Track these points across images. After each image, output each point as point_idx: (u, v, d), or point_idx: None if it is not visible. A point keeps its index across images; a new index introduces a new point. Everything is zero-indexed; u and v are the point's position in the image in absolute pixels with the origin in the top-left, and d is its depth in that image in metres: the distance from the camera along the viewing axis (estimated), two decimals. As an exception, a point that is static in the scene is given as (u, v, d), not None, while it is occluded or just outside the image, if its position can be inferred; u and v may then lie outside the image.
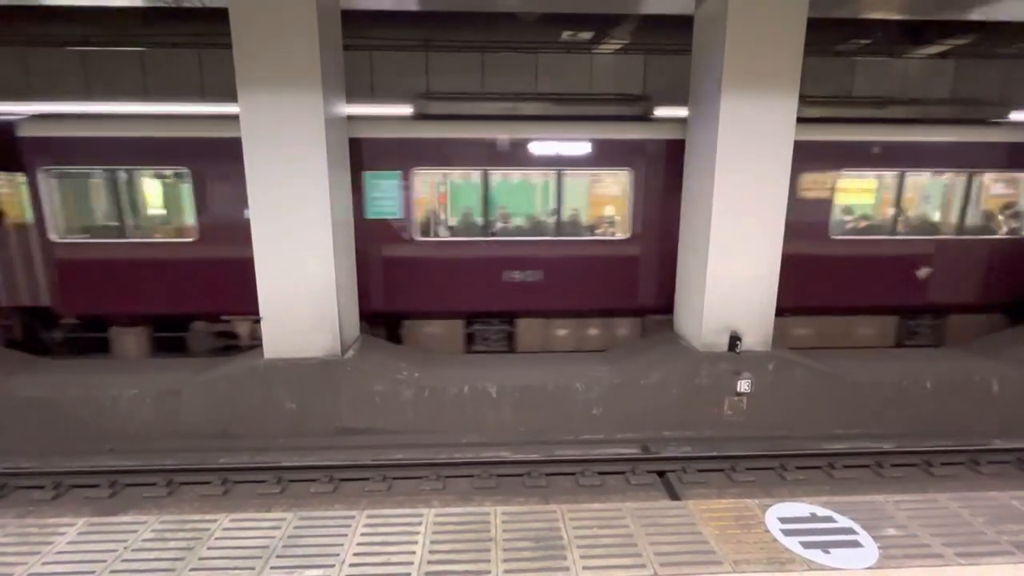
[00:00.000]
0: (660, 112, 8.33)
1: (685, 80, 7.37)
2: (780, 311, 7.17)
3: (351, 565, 2.79)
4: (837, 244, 8.12)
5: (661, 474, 6.21)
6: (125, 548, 2.92)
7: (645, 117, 8.20)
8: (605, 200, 8.19)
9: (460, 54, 9.46)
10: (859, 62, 9.96)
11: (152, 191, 7.81)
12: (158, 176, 7.69)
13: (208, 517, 3.19)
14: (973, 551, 2.90)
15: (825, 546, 2.94)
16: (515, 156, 7.83)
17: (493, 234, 8.04)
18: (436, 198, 8.00)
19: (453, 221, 8.10)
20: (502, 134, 7.75)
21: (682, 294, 7.71)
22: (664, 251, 7.98)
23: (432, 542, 2.96)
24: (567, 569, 2.76)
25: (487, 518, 3.17)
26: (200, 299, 7.80)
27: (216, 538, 3.00)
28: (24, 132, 7.32)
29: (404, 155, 7.67)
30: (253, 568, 2.76)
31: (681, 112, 7.73)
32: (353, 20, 7.67)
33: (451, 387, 6.86)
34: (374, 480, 5.99)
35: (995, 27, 8.75)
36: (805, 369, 7.03)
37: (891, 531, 3.06)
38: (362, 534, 3.03)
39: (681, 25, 7.42)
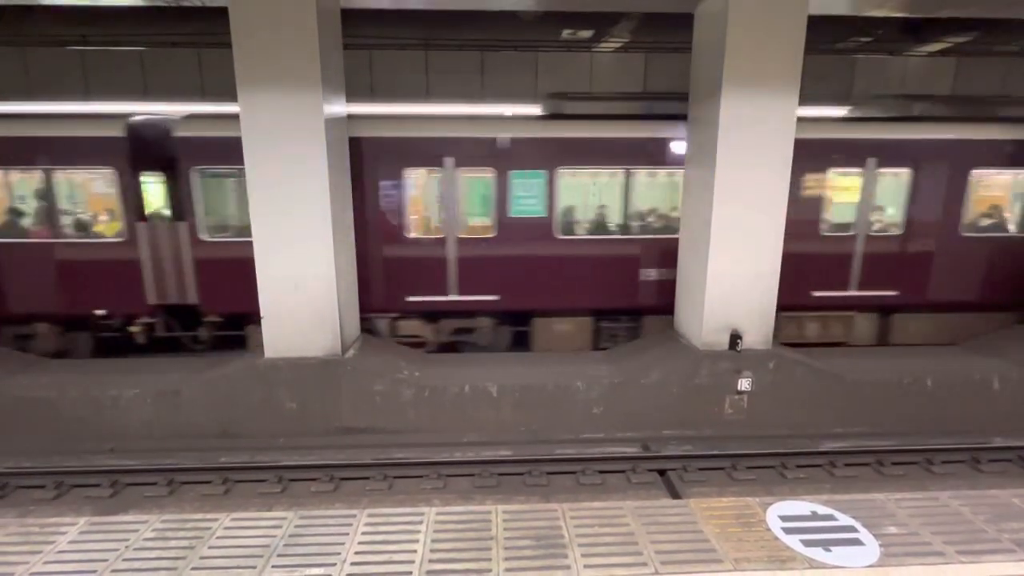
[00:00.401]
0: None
1: (685, 79, 7.37)
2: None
3: (352, 564, 2.79)
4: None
5: (662, 473, 6.21)
6: (126, 547, 2.92)
7: None
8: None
9: (460, 53, 9.46)
10: (859, 60, 9.96)
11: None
12: None
13: (209, 516, 3.19)
14: (974, 549, 2.90)
15: (826, 544, 2.94)
16: (659, 155, 7.93)
17: (632, 232, 8.15)
18: (576, 196, 8.12)
19: (592, 219, 8.19)
20: (647, 133, 7.89)
21: (682, 293, 7.71)
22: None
23: (433, 541, 2.96)
24: (568, 568, 2.76)
25: (488, 517, 3.17)
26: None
27: (217, 537, 3.00)
28: (180, 132, 7.48)
29: (549, 155, 7.80)
30: (254, 567, 2.77)
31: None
32: (353, 19, 7.67)
33: (452, 386, 6.86)
34: (375, 479, 6.00)
35: (995, 24, 8.74)
36: (806, 368, 7.02)
37: (892, 529, 3.06)
38: (363, 533, 3.03)
39: (681, 23, 7.42)
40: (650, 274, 8.19)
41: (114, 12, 8.39)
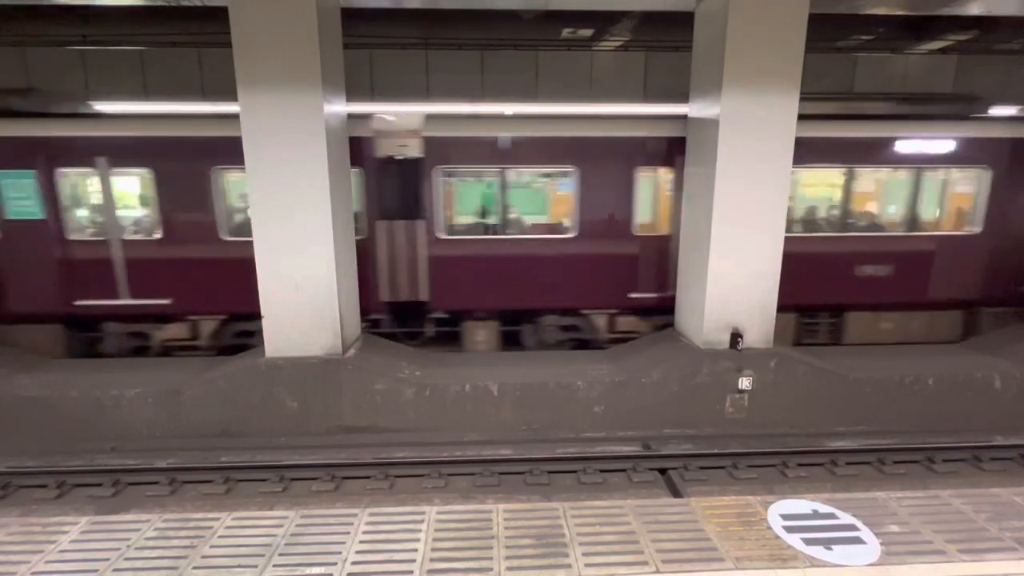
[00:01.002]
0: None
1: (686, 77, 7.36)
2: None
3: (353, 563, 2.79)
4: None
5: (663, 471, 6.21)
6: (128, 547, 2.92)
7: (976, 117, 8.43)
8: (961, 197, 8.37)
9: (460, 52, 9.46)
10: (860, 58, 9.94)
11: (529, 190, 8.25)
12: (549, 175, 8.10)
13: (210, 516, 3.19)
14: (975, 547, 2.90)
15: (827, 543, 2.94)
16: (883, 154, 7.98)
17: (850, 230, 8.23)
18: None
19: (816, 215, 8.30)
20: (866, 132, 7.92)
21: (683, 292, 7.70)
22: (1012, 245, 8.24)
23: (434, 540, 2.96)
24: (569, 566, 2.76)
25: (489, 516, 3.17)
26: (563, 294, 8.15)
27: (219, 536, 3.00)
28: (425, 132, 7.70)
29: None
30: (256, 566, 2.77)
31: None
32: (353, 18, 7.67)
33: (452, 385, 6.86)
34: (376, 478, 6.00)
35: (996, 22, 8.72)
36: (807, 366, 7.02)
37: (893, 528, 3.06)
38: (364, 532, 3.03)
39: (682, 22, 7.41)
40: (865, 271, 8.29)
41: (114, 12, 8.39)
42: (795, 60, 6.32)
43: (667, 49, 9.30)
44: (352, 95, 7.21)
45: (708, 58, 6.69)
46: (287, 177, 6.32)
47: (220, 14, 6.28)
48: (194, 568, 2.76)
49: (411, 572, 2.73)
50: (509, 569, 2.74)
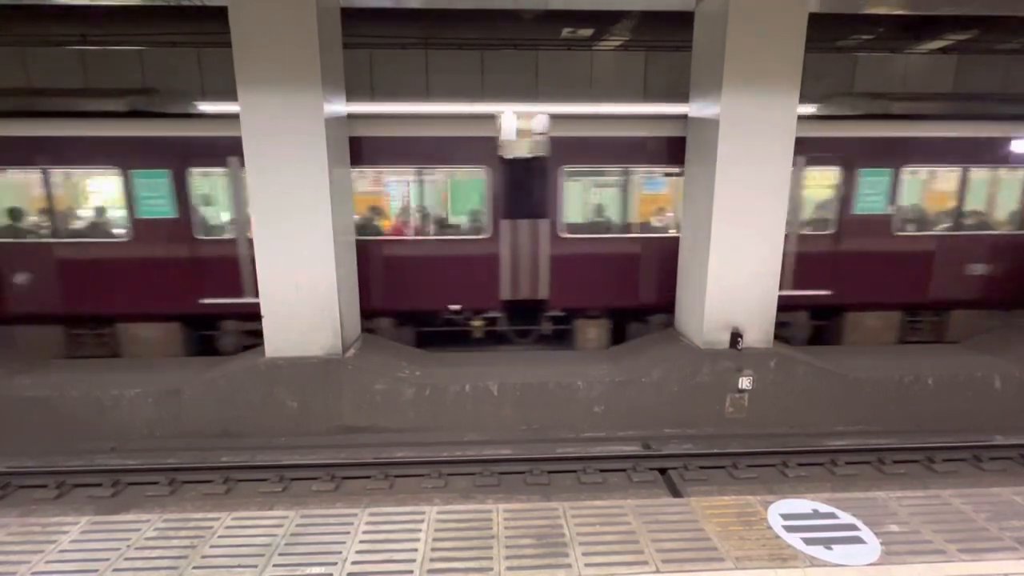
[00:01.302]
0: None
1: (686, 77, 7.36)
2: None
3: (353, 563, 2.79)
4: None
5: (663, 471, 6.21)
6: (128, 547, 2.92)
7: None
8: None
9: (460, 52, 9.46)
10: (860, 58, 9.94)
11: (644, 189, 8.25)
12: (667, 175, 8.10)
13: (210, 515, 3.19)
14: (976, 547, 2.90)
15: (827, 542, 2.94)
16: (993, 154, 7.99)
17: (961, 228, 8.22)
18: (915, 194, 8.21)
19: (924, 215, 8.29)
20: (983, 132, 7.92)
21: (683, 291, 7.71)
22: None
23: (434, 540, 2.96)
24: (569, 566, 2.76)
25: (489, 516, 3.17)
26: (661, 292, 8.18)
27: (218, 536, 3.00)
28: (551, 132, 7.80)
29: (894, 154, 7.87)
30: (255, 566, 2.77)
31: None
32: (353, 18, 7.67)
33: (452, 385, 6.86)
34: (376, 478, 6.00)
35: (996, 22, 8.72)
36: (807, 366, 7.02)
37: (893, 527, 3.06)
38: (364, 532, 3.03)
39: (682, 22, 7.40)
40: (975, 269, 8.32)
41: (114, 12, 8.38)
42: (795, 60, 6.32)
43: (667, 49, 9.30)
44: (470, 96, 7.52)
45: (708, 57, 6.69)
46: (287, 177, 6.32)
47: (220, 14, 6.27)
48: (194, 568, 2.76)
49: (411, 572, 2.72)
50: (509, 569, 2.74)
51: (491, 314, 8.40)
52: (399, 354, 7.52)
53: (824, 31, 8.36)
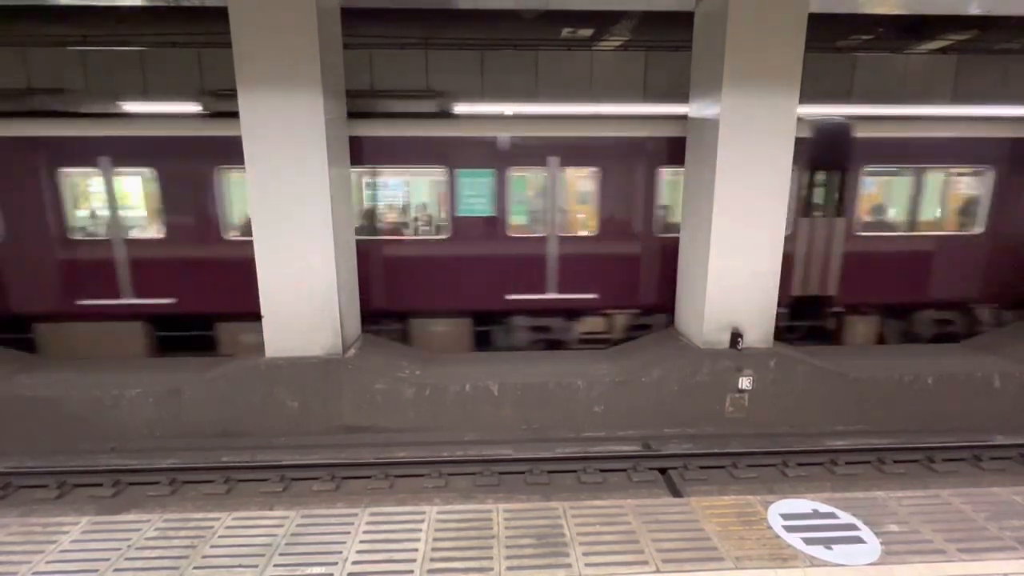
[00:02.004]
0: None
1: (686, 77, 7.36)
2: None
3: (354, 563, 2.80)
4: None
5: (663, 471, 6.22)
6: (128, 547, 2.93)
7: None
8: None
9: (460, 52, 9.45)
10: (860, 58, 9.94)
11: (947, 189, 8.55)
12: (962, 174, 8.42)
13: (211, 515, 3.19)
14: (975, 547, 2.90)
15: (827, 542, 2.94)
16: None
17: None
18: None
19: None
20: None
21: (683, 291, 7.71)
22: None
23: (434, 540, 2.96)
24: (569, 566, 2.76)
25: (489, 515, 3.17)
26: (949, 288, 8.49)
27: (219, 536, 3.01)
28: (858, 133, 7.99)
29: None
30: (256, 566, 2.77)
31: None
32: (352, 18, 7.66)
33: (452, 385, 6.87)
34: (376, 478, 6.00)
35: (995, 22, 8.72)
36: (807, 366, 7.02)
37: (893, 527, 3.06)
38: (364, 532, 3.03)
39: (681, 22, 7.40)
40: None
41: (114, 12, 8.38)
42: (795, 60, 6.32)
43: (667, 49, 9.29)
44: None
45: (708, 58, 6.69)
46: (287, 177, 6.32)
47: (220, 14, 6.27)
48: (195, 568, 2.76)
49: (411, 572, 2.73)
50: (509, 569, 2.74)
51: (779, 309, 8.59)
52: (399, 354, 7.52)
53: (823, 32, 8.36)
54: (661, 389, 6.93)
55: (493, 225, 7.97)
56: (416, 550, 2.88)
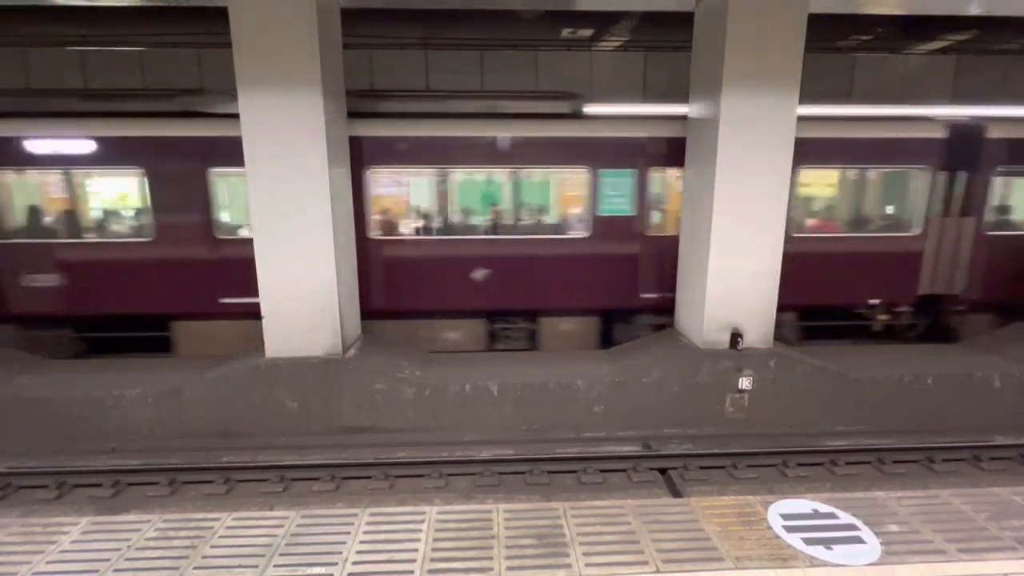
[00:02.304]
0: None
1: (685, 77, 7.36)
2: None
3: (354, 563, 2.80)
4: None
5: (663, 471, 6.22)
6: (128, 547, 2.93)
7: None
8: None
9: (459, 52, 9.45)
10: (859, 58, 9.94)
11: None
12: None
13: (211, 516, 3.19)
14: (975, 547, 2.90)
15: (827, 542, 2.94)
16: None
17: None
18: None
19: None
20: None
21: (683, 291, 7.71)
22: None
23: (435, 540, 2.96)
24: (569, 566, 2.76)
25: (489, 516, 3.17)
26: None
27: (219, 537, 3.01)
28: (992, 134, 8.10)
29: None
30: (256, 566, 2.77)
31: None
32: (352, 18, 7.66)
33: (452, 385, 6.86)
34: (376, 478, 6.00)
35: (995, 22, 8.72)
36: (807, 366, 7.02)
37: (893, 527, 3.06)
38: (365, 532, 3.03)
39: (681, 22, 7.40)
40: None
41: (114, 12, 8.38)
42: (795, 60, 6.32)
43: (667, 49, 9.29)
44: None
45: (708, 58, 6.69)
46: (287, 177, 6.32)
47: (219, 14, 6.27)
48: (195, 568, 2.76)
49: (412, 572, 2.73)
50: (509, 569, 2.74)
51: (899, 308, 8.69)
52: (399, 354, 7.52)
53: (823, 32, 8.36)
54: (661, 389, 6.93)
55: (630, 225, 8.14)
56: (416, 550, 2.88)
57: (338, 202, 6.67)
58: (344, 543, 2.94)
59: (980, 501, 3.31)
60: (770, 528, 3.06)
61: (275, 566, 2.77)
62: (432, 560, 2.80)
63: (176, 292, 7.91)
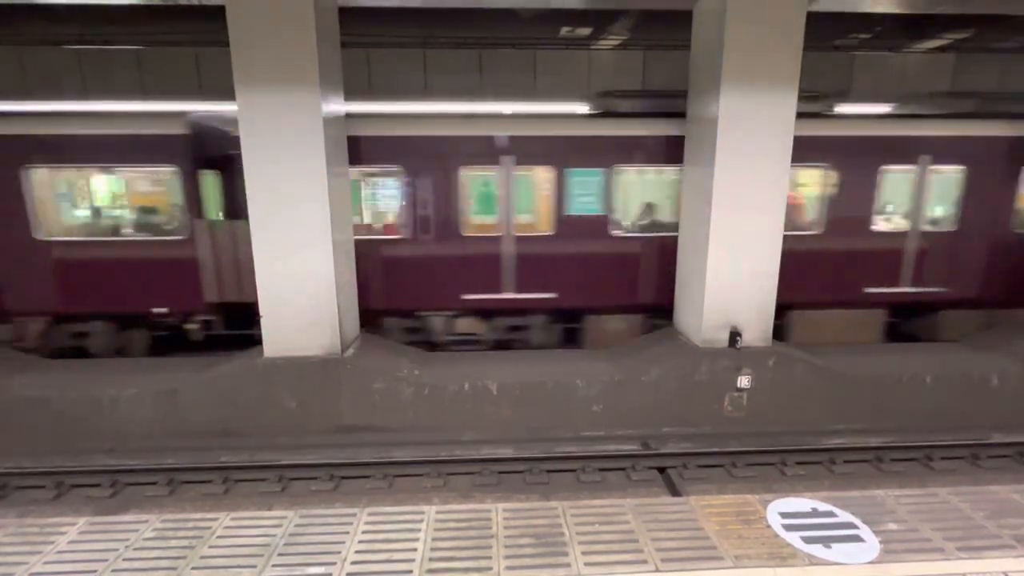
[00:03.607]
0: None
1: (685, 76, 7.36)
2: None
3: (353, 563, 2.79)
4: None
5: (662, 470, 6.22)
6: (126, 547, 2.92)
7: None
8: None
9: (458, 51, 9.45)
10: (858, 57, 9.95)
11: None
12: None
13: (209, 516, 3.19)
14: (974, 545, 2.91)
15: (826, 541, 2.94)
16: None
17: None
18: None
19: None
20: None
21: (682, 290, 7.71)
22: None
23: (433, 539, 2.96)
24: (569, 566, 2.76)
25: (488, 515, 3.17)
26: None
27: (217, 536, 3.00)
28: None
29: None
30: (255, 566, 2.76)
31: None
32: (351, 17, 7.65)
33: (451, 385, 6.86)
34: (375, 478, 6.00)
35: (994, 20, 8.73)
36: (805, 364, 7.03)
37: (892, 525, 3.06)
38: (363, 532, 3.03)
39: (680, 21, 7.40)
40: None
41: (114, 12, 8.36)
42: (794, 58, 6.32)
43: (665, 48, 9.29)
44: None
45: (707, 56, 6.68)
46: (285, 177, 6.31)
47: (218, 14, 6.26)
48: (193, 568, 2.75)
49: (411, 572, 2.72)
50: (508, 568, 2.74)
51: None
52: (398, 353, 7.52)
53: (822, 30, 8.36)
54: (660, 388, 6.93)
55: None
56: (415, 550, 2.88)
57: (337, 202, 6.66)
58: (343, 543, 2.94)
59: (978, 499, 3.31)
60: (769, 527, 3.06)
61: (273, 566, 2.77)
62: (431, 559, 2.80)
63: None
